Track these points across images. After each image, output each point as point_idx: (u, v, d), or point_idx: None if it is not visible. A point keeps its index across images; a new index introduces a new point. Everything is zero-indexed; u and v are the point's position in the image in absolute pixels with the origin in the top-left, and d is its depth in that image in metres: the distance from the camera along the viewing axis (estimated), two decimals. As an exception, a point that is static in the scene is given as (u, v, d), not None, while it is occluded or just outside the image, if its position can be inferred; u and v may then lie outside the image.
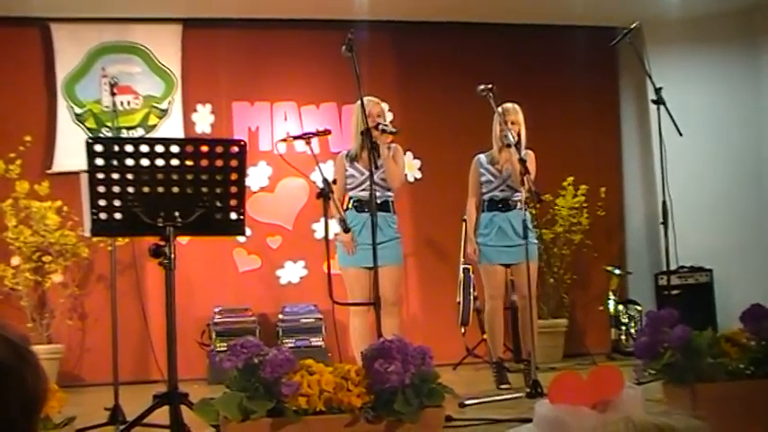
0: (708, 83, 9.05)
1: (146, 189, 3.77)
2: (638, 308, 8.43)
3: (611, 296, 8.50)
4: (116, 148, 3.75)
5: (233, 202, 3.92)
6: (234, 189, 3.92)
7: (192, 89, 8.34)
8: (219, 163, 3.86)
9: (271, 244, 8.43)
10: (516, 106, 6.08)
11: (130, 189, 3.75)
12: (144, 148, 3.76)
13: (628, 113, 9.39)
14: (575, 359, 8.02)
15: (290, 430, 3.05)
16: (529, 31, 8.90)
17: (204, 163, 3.84)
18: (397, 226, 5.80)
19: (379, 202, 5.53)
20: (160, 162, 3.77)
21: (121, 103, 7.92)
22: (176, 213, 3.80)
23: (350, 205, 5.76)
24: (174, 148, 3.79)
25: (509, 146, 5.85)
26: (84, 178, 4.04)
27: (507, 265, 6.07)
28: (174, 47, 8.29)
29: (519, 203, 6.02)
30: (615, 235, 9.16)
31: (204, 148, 3.87)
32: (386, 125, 5.65)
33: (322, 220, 4.93)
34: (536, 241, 6.11)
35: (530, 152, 6.06)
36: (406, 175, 7.55)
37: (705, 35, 8.96)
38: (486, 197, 6.16)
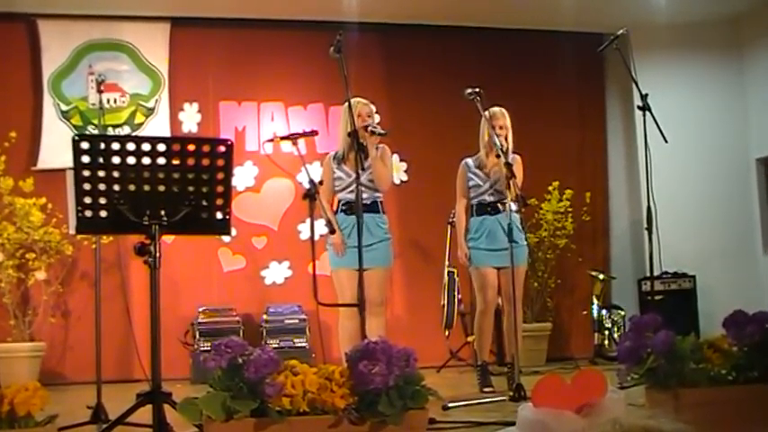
0: (694, 89, 9.10)
1: (132, 187, 3.76)
2: (622, 313, 8.46)
3: (595, 301, 8.53)
4: (102, 146, 3.73)
5: (219, 202, 3.92)
6: (220, 188, 3.91)
7: (179, 88, 8.34)
8: (206, 162, 3.85)
9: (256, 244, 8.42)
10: (504, 110, 6.05)
11: (116, 187, 3.74)
12: (130, 147, 3.74)
13: (614, 118, 9.44)
14: (558, 363, 8.05)
15: (274, 430, 3.04)
16: (517, 35, 8.94)
17: (190, 162, 3.83)
18: (388, 227, 5.76)
19: (368, 203, 5.51)
20: (146, 160, 3.75)
21: (108, 101, 7.91)
22: (162, 212, 3.79)
23: (340, 207, 5.72)
24: (161, 147, 3.78)
25: (498, 156, 5.78)
26: (70, 175, 4.03)
27: (498, 268, 6.06)
28: (161, 45, 8.27)
29: (508, 206, 5.99)
30: (600, 240, 9.20)
31: (191, 147, 3.85)
32: (375, 127, 5.59)
33: (308, 220, 4.91)
34: (525, 243, 6.09)
35: (516, 157, 6.05)
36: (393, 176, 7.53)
37: (692, 42, 9.02)
38: (474, 201, 6.15)
